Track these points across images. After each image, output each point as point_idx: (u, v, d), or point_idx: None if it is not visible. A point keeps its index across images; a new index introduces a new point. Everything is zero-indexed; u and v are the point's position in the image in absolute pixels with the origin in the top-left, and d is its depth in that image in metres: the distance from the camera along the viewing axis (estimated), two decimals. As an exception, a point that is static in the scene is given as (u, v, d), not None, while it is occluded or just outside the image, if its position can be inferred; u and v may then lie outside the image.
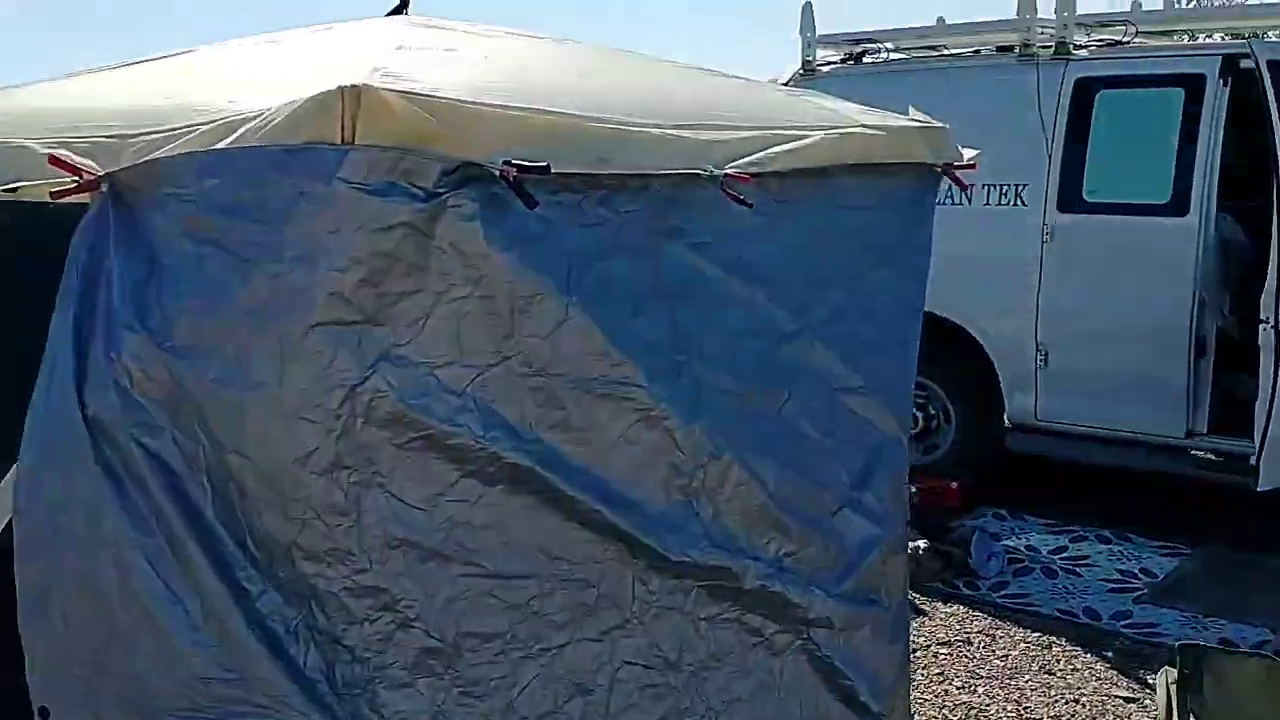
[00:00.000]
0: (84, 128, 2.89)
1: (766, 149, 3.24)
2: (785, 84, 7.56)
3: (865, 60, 7.57)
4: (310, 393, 2.44)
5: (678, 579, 2.89)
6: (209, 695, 2.54)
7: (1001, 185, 6.87)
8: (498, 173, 2.50)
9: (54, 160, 2.66)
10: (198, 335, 2.46)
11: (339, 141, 2.37)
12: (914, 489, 7.02)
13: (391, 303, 2.47)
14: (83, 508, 2.54)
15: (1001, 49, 7.12)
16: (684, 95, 3.41)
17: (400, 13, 3.83)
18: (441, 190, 2.45)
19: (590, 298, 2.70)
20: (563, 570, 2.75)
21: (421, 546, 2.59)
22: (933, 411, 7.37)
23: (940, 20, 7.74)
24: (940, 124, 4.02)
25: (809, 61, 7.53)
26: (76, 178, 2.59)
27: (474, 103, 2.52)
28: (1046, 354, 6.82)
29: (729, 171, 3.04)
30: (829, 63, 7.66)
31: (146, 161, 2.56)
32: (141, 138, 2.71)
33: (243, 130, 2.48)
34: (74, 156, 2.64)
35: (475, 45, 3.62)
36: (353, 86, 2.36)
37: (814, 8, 7.46)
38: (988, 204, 6.91)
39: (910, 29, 7.59)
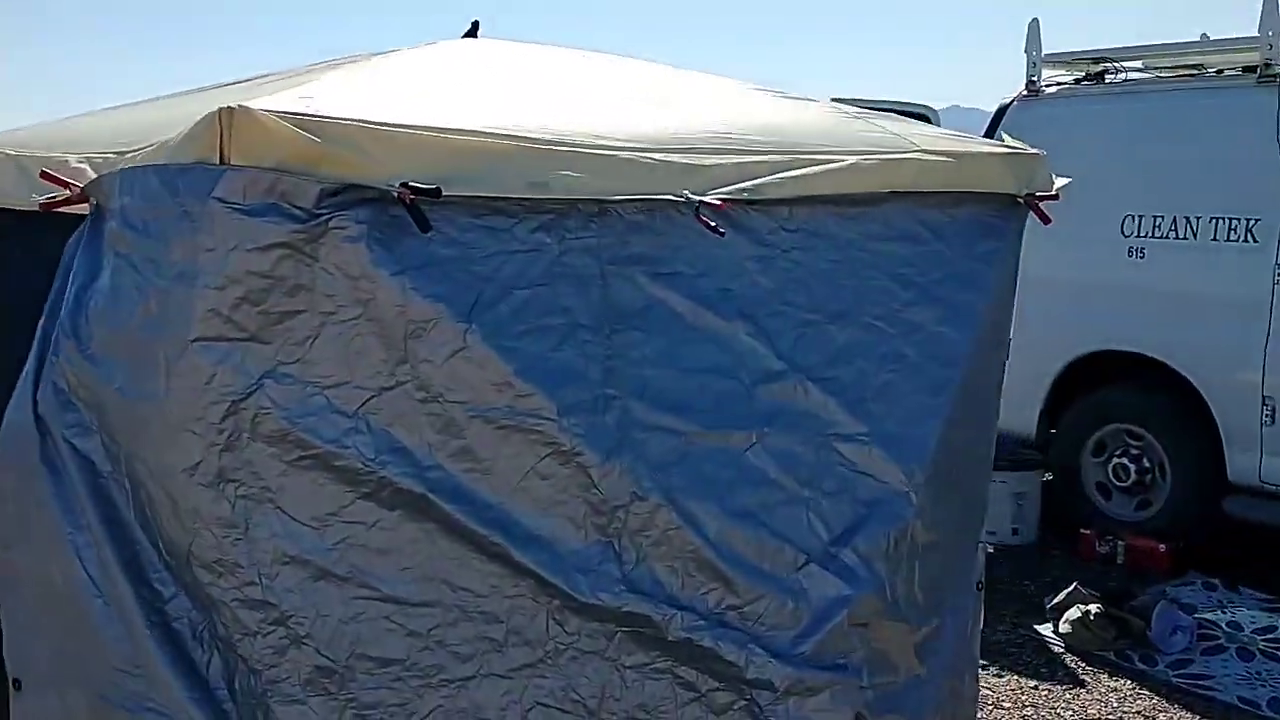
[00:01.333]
0: (118, 144, 3.06)
1: (773, 174, 3.06)
2: (1008, 106, 7.14)
3: (1085, 81, 7.00)
4: (193, 405, 2.49)
5: (599, 622, 2.76)
6: (124, 688, 2.65)
7: (1230, 219, 6.20)
8: (395, 194, 2.48)
9: (44, 175, 2.86)
10: (106, 345, 2.57)
11: (217, 161, 2.42)
12: (1120, 544, 6.53)
13: (275, 321, 2.49)
14: (33, 500, 2.71)
15: (1247, 69, 6.42)
16: (706, 118, 3.26)
17: (473, 35, 3.88)
18: (323, 211, 2.45)
19: (498, 326, 2.63)
20: (467, 601, 2.69)
21: (313, 565, 2.60)
22: (1147, 465, 6.73)
23: (1204, 36, 7.07)
24: (1032, 150, 3.68)
25: (1033, 82, 7.05)
26: (66, 191, 2.79)
27: (372, 123, 2.50)
28: (1274, 409, 6.09)
29: (704, 198, 2.89)
30: (1056, 83, 7.14)
31: (99, 177, 2.70)
32: (129, 154, 2.86)
33: (157, 148, 2.57)
34: (59, 173, 2.85)
35: (519, 65, 3.62)
36: (228, 108, 2.40)
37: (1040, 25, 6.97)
38: (1215, 239, 6.26)
39: (1147, 47, 6.97)
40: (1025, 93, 7.09)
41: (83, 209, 2.75)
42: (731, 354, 2.95)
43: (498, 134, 2.64)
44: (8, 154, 3.44)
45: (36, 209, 2.81)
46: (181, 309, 2.46)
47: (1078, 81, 7.15)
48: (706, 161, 2.98)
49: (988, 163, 3.53)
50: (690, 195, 2.88)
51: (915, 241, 3.33)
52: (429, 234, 2.54)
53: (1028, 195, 3.57)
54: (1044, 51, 7.04)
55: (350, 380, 2.55)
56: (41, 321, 2.75)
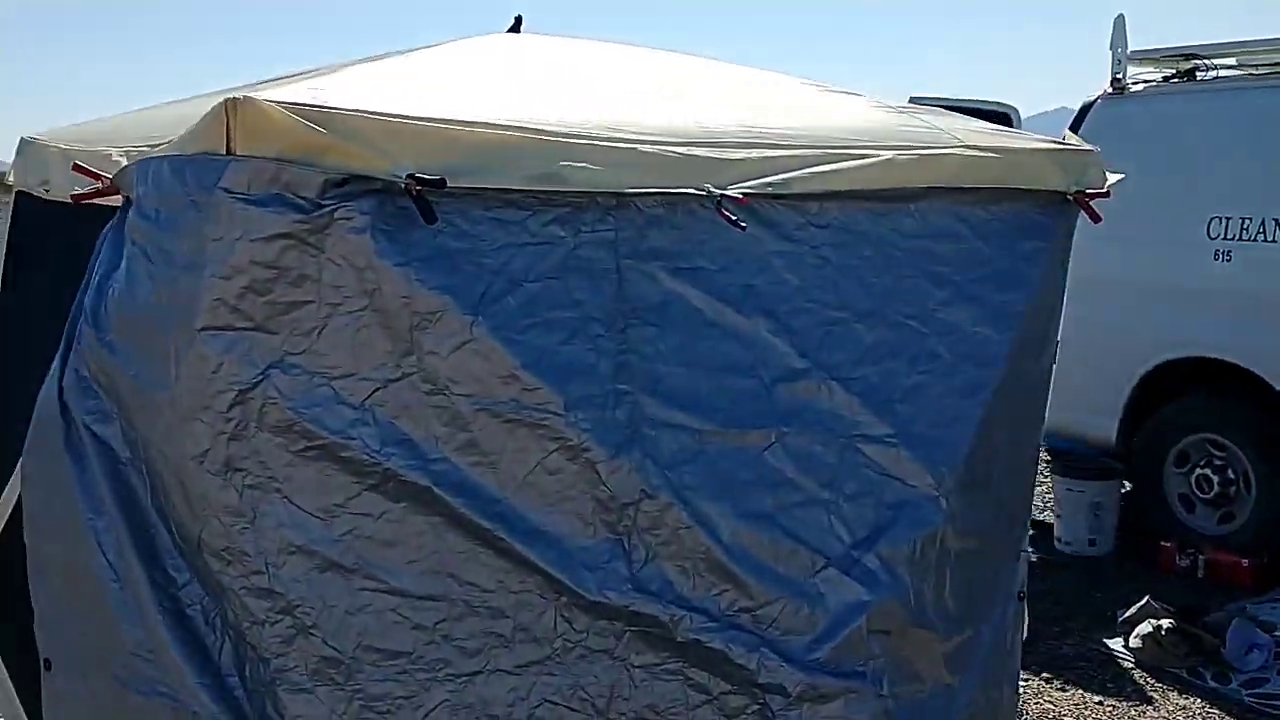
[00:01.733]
0: (152, 137, 3.12)
1: (802, 169, 2.99)
2: (1091, 104, 6.94)
3: (1174, 79, 6.78)
4: (201, 394, 2.52)
5: (607, 620, 2.73)
6: (137, 671, 2.69)
7: (1319, 221, 5.95)
8: (402, 186, 2.48)
9: (77, 168, 2.92)
10: (123, 333, 2.61)
11: (224, 152, 2.44)
12: (1201, 558, 6.30)
13: (282, 311, 2.50)
14: (57, 485, 2.76)
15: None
16: (740, 112, 3.20)
17: (516, 30, 3.87)
18: (328, 202, 2.45)
19: (506, 318, 2.60)
20: (473, 596, 2.67)
21: (319, 555, 2.60)
22: (1231, 476, 6.49)
23: (1305, 32, 6.81)
24: (1086, 146, 3.56)
25: (1118, 79, 6.84)
26: (98, 183, 2.84)
27: (377, 114, 2.50)
28: (1365, 420, 5.83)
29: (726, 192, 2.84)
30: (1143, 81, 6.93)
31: (124, 168, 2.75)
32: (158, 146, 2.91)
33: (175, 140, 2.60)
34: (93, 166, 2.90)
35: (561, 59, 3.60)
36: (234, 99, 2.41)
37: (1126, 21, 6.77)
38: (1300, 241, 6.01)
39: (1241, 43, 6.72)
40: (1110, 91, 6.88)
41: (116, 200, 2.80)
42: (751, 351, 2.89)
43: (506, 125, 2.62)
44: (58, 148, 3.53)
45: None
46: (189, 298, 2.48)
47: (1166, 79, 6.92)
48: (733, 155, 2.93)
49: (1034, 158, 3.42)
50: (713, 189, 2.83)
51: (953, 239, 3.24)
52: (436, 226, 2.54)
53: (1077, 193, 3.45)
54: (1130, 48, 6.82)
55: (357, 371, 2.55)
56: (72, 309, 2.81)
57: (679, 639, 2.74)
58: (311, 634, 2.63)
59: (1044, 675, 5.30)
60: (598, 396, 2.68)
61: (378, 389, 2.57)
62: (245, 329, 2.49)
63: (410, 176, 2.47)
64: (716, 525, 2.77)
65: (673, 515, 2.73)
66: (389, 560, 2.63)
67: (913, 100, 7.76)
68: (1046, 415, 6.77)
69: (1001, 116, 7.28)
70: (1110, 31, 6.84)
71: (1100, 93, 6.93)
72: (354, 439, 2.56)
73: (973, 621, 3.27)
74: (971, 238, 3.27)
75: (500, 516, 2.63)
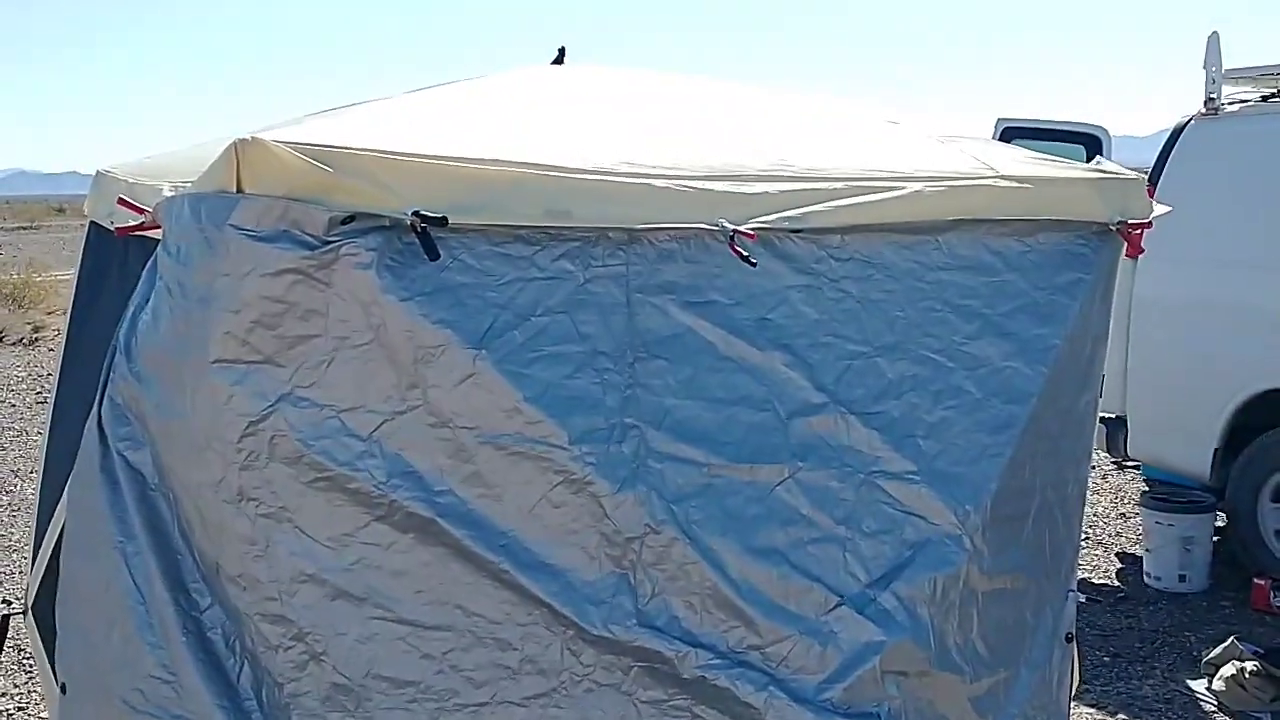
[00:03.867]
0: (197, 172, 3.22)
1: (822, 203, 2.98)
2: (1184, 126, 6.75)
3: (1271, 98, 6.54)
4: (214, 425, 2.60)
5: (614, 655, 2.73)
6: (156, 695, 2.77)
7: None
8: (408, 223, 2.54)
9: (121, 201, 3.04)
10: (148, 364, 2.71)
11: (234, 190, 2.52)
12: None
13: (290, 345, 2.57)
14: (94, 509, 2.87)
15: None
16: (772, 144, 3.19)
17: (560, 62, 3.92)
18: (334, 239, 2.52)
19: (510, 352, 2.64)
20: (481, 627, 2.71)
21: (329, 584, 2.67)
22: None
23: None
24: (1129, 175, 3.47)
25: (1212, 99, 6.64)
26: (141, 216, 2.96)
27: (383, 152, 2.56)
28: None
29: (738, 227, 2.83)
30: (1239, 101, 6.71)
31: (158, 204, 2.85)
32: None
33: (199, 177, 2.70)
34: (135, 200, 3.02)
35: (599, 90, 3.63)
36: (242, 139, 2.49)
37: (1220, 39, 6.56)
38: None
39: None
40: (1203, 111, 6.68)
41: (159, 234, 2.91)
42: (766, 385, 2.88)
43: (512, 162, 2.66)
44: (124, 180, 3.68)
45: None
46: (202, 331, 2.57)
47: (1264, 99, 6.69)
48: (749, 190, 2.93)
49: (1074, 188, 3.35)
50: (726, 224, 2.83)
51: (982, 271, 3.18)
52: (442, 261, 2.58)
53: (1121, 223, 3.36)
54: (1225, 67, 6.62)
55: (364, 404, 2.61)
56: (113, 340, 2.92)
57: (685, 675, 2.73)
58: (323, 660, 2.69)
59: (1119, 717, 5.13)
60: (603, 430, 2.70)
61: (384, 422, 2.62)
62: (255, 362, 2.57)
63: (415, 214, 2.52)
64: (724, 560, 2.76)
65: (679, 550, 2.73)
66: (397, 590, 2.68)
67: (999, 122, 7.69)
68: (1139, 445, 6.68)
69: (1090, 139, 7.13)
70: (1204, 50, 6.65)
71: (1194, 113, 6.73)
72: (361, 470, 2.61)
73: (1008, 663, 3.20)
74: (1004, 270, 3.20)
75: (505, 549, 2.67)
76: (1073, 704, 5.14)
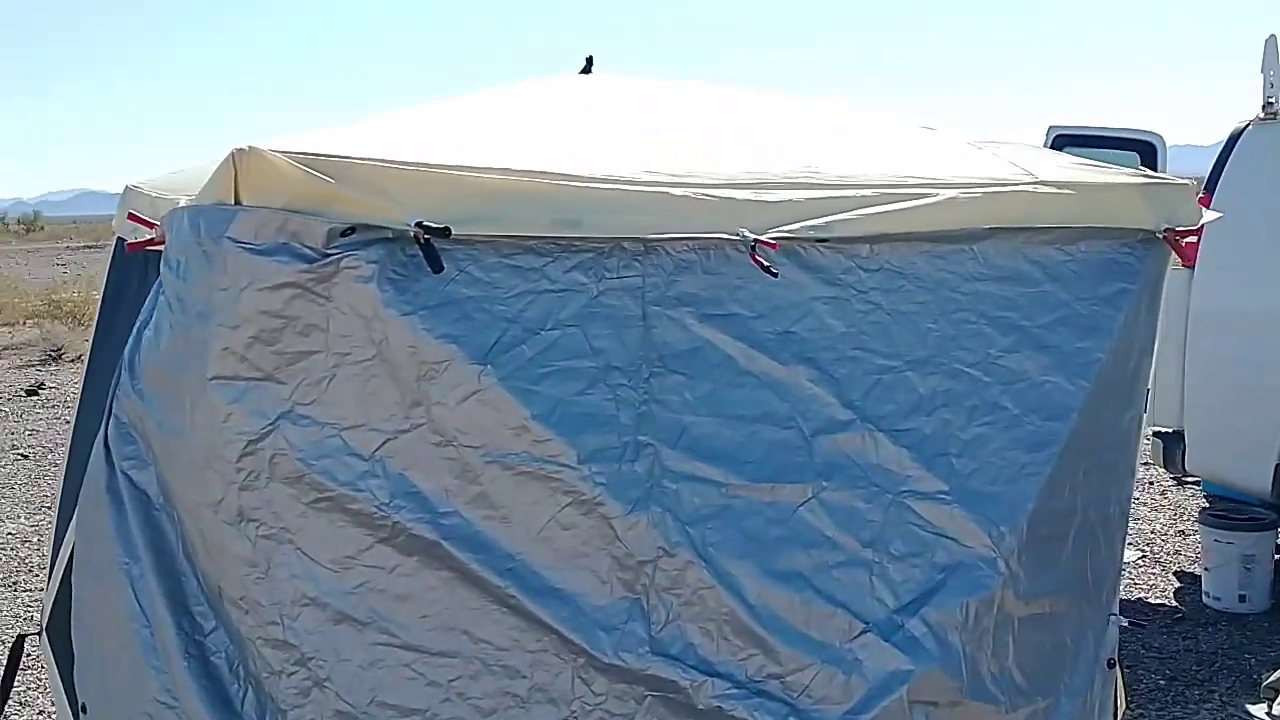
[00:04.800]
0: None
1: (848, 212, 2.86)
2: (1243, 130, 6.53)
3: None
4: (213, 443, 2.53)
5: (626, 684, 2.62)
6: (159, 715, 2.70)
7: None
8: (411, 234, 2.45)
9: (131, 216, 2.99)
10: (150, 381, 2.64)
11: (232, 202, 2.45)
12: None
13: (290, 361, 2.49)
14: (98, 531, 2.81)
15: None
16: (800, 153, 3.08)
17: (588, 71, 3.83)
18: (334, 251, 2.44)
19: (518, 368, 2.54)
20: (488, 654, 2.61)
21: (332, 608, 2.58)
22: None
23: None
24: (1178, 181, 3.31)
25: (1270, 104, 6.41)
26: (152, 231, 2.90)
27: (384, 162, 2.48)
28: None
29: (759, 237, 2.72)
30: (1300, 105, 6.47)
31: (163, 218, 2.79)
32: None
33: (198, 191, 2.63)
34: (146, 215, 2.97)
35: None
36: (239, 148, 2.42)
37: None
38: None
39: None
40: (1262, 116, 6.45)
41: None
42: (789, 401, 2.76)
43: (520, 171, 2.56)
44: (149, 195, 3.63)
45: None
46: (200, 347, 2.49)
47: (1325, 102, 6.45)
48: (772, 198, 2.81)
49: (1119, 194, 3.20)
50: (747, 233, 2.72)
51: (1022, 281, 3.04)
52: (448, 274, 2.50)
53: (1168, 230, 3.21)
54: (1284, 71, 6.39)
55: (366, 423, 2.53)
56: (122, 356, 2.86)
57: (700, 705, 2.61)
58: (326, 687, 2.60)
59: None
60: (615, 448, 2.59)
61: (387, 440, 2.53)
62: (254, 379, 2.49)
63: (418, 224, 2.44)
64: (742, 585, 2.64)
65: (694, 574, 2.61)
66: (402, 615, 2.59)
67: (1051, 130, 7.50)
68: (1197, 460, 6.46)
69: (1145, 146, 6.93)
70: (1262, 54, 6.43)
71: (1252, 118, 6.51)
72: (363, 491, 2.53)
73: (1047, 691, 3.05)
74: (1044, 280, 3.06)
75: (513, 573, 2.57)
76: (1126, 730, 5.00)
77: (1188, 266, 3.32)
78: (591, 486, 2.56)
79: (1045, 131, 7.45)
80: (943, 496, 2.83)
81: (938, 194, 2.96)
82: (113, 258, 4.13)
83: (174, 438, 2.59)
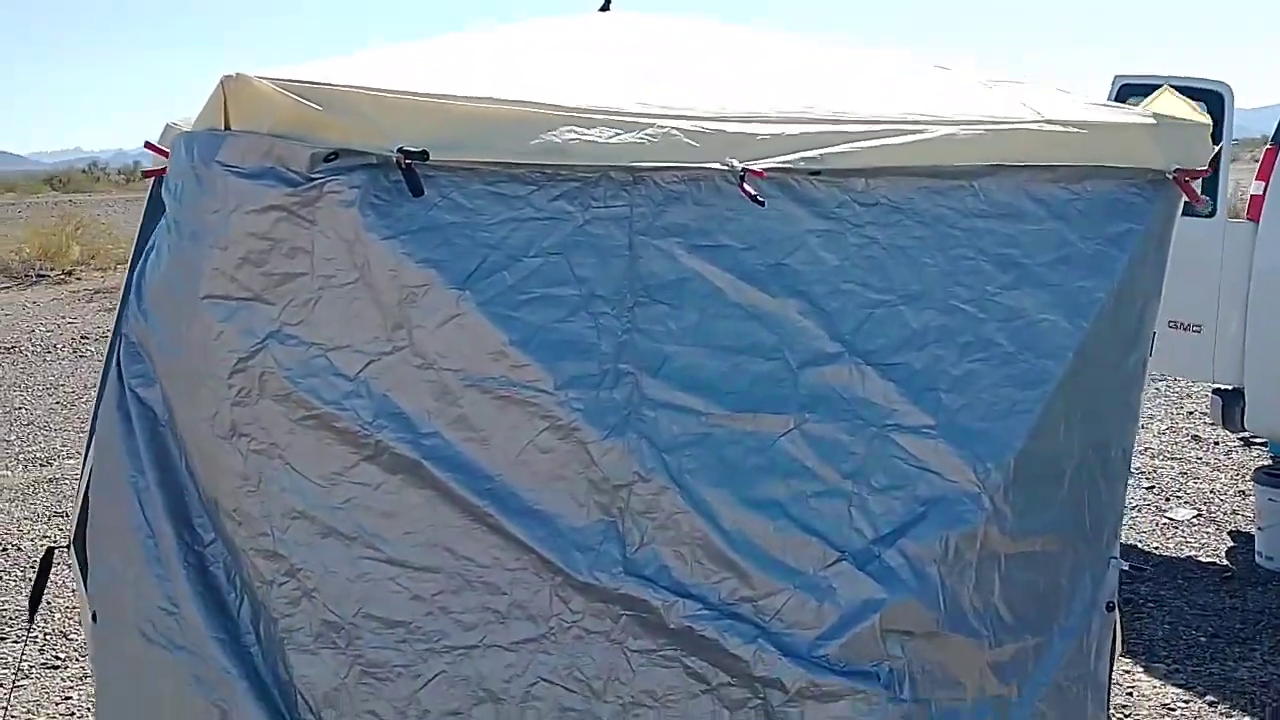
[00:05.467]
0: None
1: (843, 145, 2.86)
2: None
3: None
4: (206, 361, 2.63)
5: (602, 603, 2.68)
6: (164, 626, 2.83)
7: None
8: (394, 159, 2.51)
9: (148, 145, 3.10)
10: (152, 302, 2.75)
11: (222, 128, 2.53)
12: None
13: (278, 283, 2.58)
14: (110, 447, 2.94)
15: None
16: (802, 89, 3.08)
17: (606, 8, 3.86)
18: (318, 175, 2.51)
19: (498, 294, 2.60)
20: (470, 571, 2.68)
21: (320, 522, 2.68)
22: None
23: None
24: (1194, 119, 3.25)
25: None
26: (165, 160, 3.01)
27: (368, 89, 2.53)
28: None
29: (749, 166, 2.74)
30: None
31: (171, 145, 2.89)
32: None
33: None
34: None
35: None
36: (228, 75, 2.50)
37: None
38: None
39: None
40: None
41: None
42: (777, 333, 2.78)
43: (504, 99, 2.61)
44: (180, 129, 3.75)
45: None
46: (193, 267, 2.59)
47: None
48: (763, 131, 2.82)
49: (1128, 134, 3.14)
50: (735, 163, 2.74)
51: (1022, 219, 3.01)
52: (431, 200, 2.56)
53: (1178, 171, 3.15)
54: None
55: (350, 344, 2.60)
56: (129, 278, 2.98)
57: (672, 625, 2.66)
58: (314, 597, 2.70)
59: (1208, 699, 4.89)
60: (594, 376, 2.64)
61: (370, 362, 2.61)
62: (244, 299, 2.58)
63: (400, 150, 2.50)
64: (716, 511, 2.67)
65: (668, 499, 2.66)
66: (387, 531, 2.68)
67: (1116, 80, 7.33)
68: (1257, 419, 6.33)
69: (1213, 95, 6.75)
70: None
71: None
72: (348, 410, 2.61)
73: (1038, 630, 3.04)
74: (1047, 218, 3.03)
75: (492, 494, 2.63)
76: (1161, 683, 4.96)
77: (1198, 207, 3.22)
78: (568, 412, 2.61)
79: (1110, 82, 7.29)
80: (928, 431, 2.83)
81: (938, 130, 2.95)
82: (149, 196, 4.27)
83: (172, 356, 2.70)
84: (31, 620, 3.53)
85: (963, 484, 2.82)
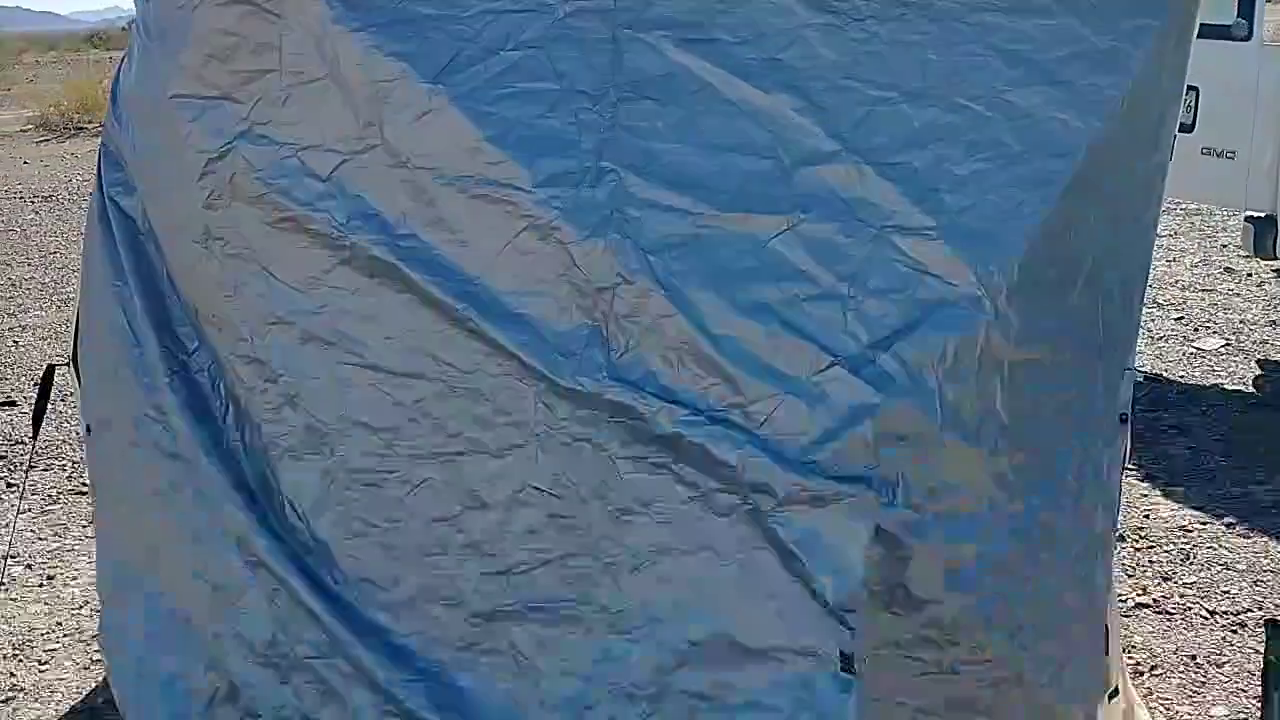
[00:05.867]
0: None
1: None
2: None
3: None
4: (174, 161, 2.57)
5: (587, 409, 2.63)
6: (150, 433, 2.83)
7: None
8: None
9: None
10: (128, 107, 2.68)
11: (186, -81, 2.41)
12: None
13: (246, 80, 2.49)
14: (94, 256, 2.91)
15: None
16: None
17: None
18: None
19: (473, 89, 2.49)
20: (453, 376, 2.63)
21: (299, 327, 2.63)
22: None
23: None
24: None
25: None
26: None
27: None
28: None
29: None
30: None
31: None
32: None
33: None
34: None
35: None
36: None
37: None
38: None
39: None
40: None
41: None
42: (770, 131, 2.66)
43: None
44: None
45: None
46: (159, 66, 2.51)
47: None
48: None
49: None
50: None
51: (1034, 13, 2.84)
52: None
53: (1200, -40, 2.96)
54: None
55: (322, 143, 2.53)
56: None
57: (659, 431, 2.60)
58: (296, 403, 2.68)
59: (1226, 520, 4.83)
60: (574, 173, 2.54)
61: (344, 161, 2.53)
62: (212, 97, 2.50)
63: None
64: (704, 315, 2.58)
65: (654, 302, 2.57)
66: (367, 335, 2.63)
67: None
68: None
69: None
70: None
71: None
72: (321, 211, 2.54)
73: (1043, 440, 2.97)
74: (1061, 12, 2.85)
75: (471, 297, 2.56)
76: (1179, 506, 4.91)
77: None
78: (548, 211, 2.52)
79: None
80: (929, 232, 2.71)
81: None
82: None
83: (145, 159, 2.64)
84: (35, 436, 3.55)
85: (964, 287, 2.71)
